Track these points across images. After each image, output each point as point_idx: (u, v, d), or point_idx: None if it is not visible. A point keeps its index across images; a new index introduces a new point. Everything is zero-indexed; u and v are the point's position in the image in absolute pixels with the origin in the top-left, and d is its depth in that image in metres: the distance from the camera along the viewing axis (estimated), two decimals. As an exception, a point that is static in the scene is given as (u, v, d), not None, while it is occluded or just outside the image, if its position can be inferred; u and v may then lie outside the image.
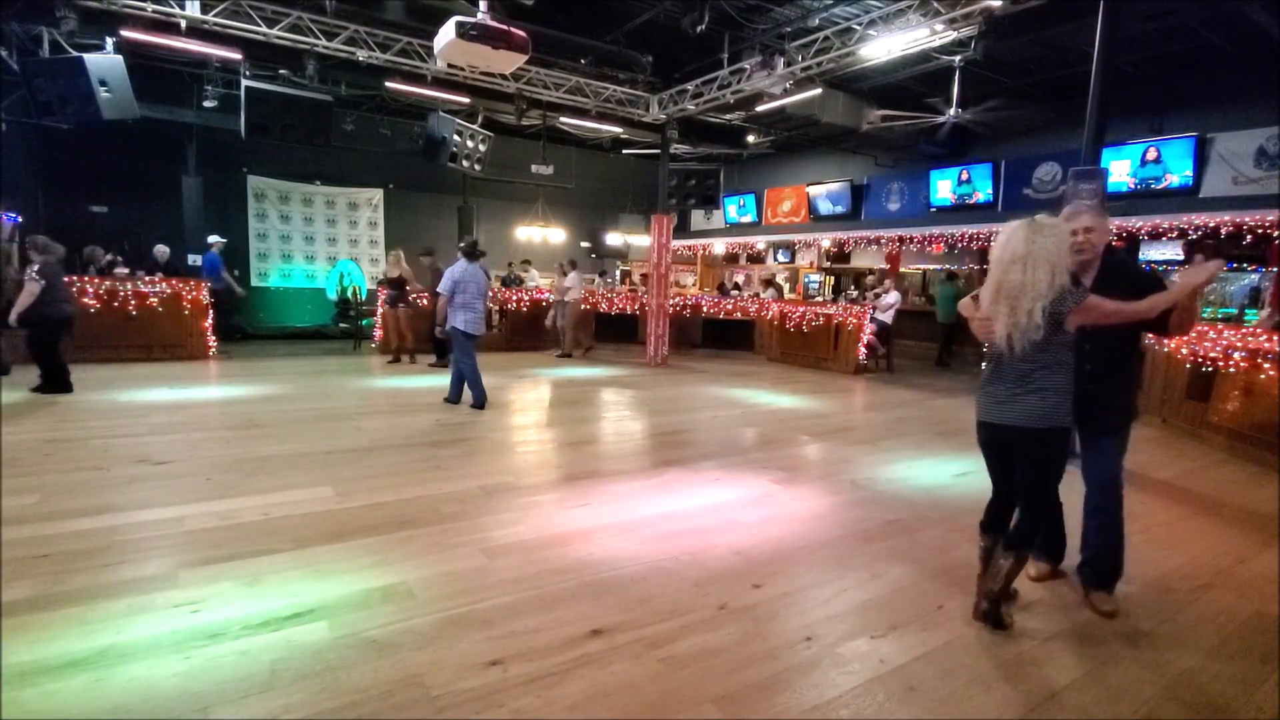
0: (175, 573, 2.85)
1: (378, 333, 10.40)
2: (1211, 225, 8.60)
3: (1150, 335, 3.76)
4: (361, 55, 8.14)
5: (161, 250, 9.80)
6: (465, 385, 6.57)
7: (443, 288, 6.32)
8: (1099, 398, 2.74)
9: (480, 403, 6.44)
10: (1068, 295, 2.34)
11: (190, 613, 2.52)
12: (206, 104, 10.43)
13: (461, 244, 6.70)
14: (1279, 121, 8.26)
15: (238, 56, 8.33)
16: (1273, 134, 8.39)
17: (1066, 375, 2.45)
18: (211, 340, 9.32)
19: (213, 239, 10.55)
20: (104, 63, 7.47)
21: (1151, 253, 10.35)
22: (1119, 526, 2.87)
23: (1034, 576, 3.04)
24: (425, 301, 9.72)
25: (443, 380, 6.60)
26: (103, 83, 7.41)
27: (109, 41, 7.69)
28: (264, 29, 7.55)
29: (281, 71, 9.00)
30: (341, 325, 12.27)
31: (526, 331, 11.87)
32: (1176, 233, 9.13)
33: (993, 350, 2.51)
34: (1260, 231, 8.19)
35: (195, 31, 7.51)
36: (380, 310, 10.20)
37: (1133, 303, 2.44)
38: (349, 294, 12.52)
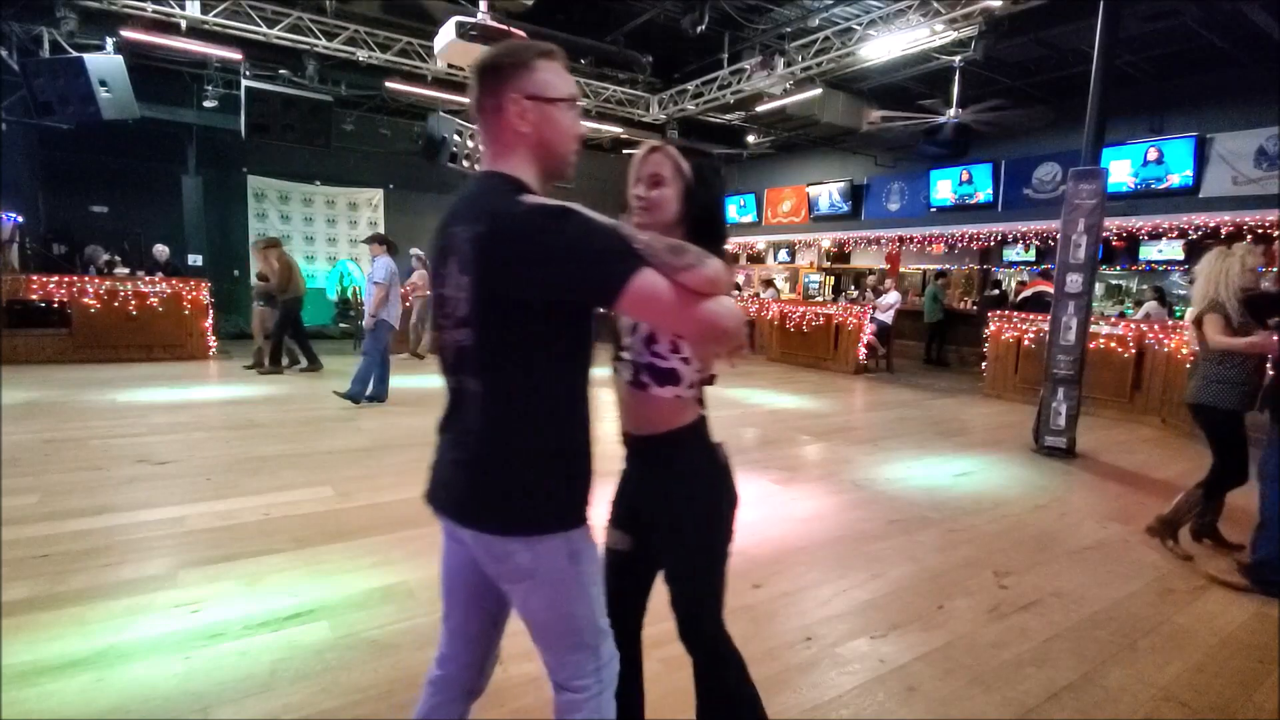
0: (175, 573, 2.85)
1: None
2: (1212, 225, 8.62)
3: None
4: (361, 55, 8.15)
5: (161, 250, 9.80)
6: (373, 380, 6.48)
7: (384, 279, 6.36)
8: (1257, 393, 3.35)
9: (381, 396, 6.52)
10: (1204, 314, 3.26)
11: (190, 613, 2.52)
12: (206, 104, 10.43)
13: (378, 239, 6.70)
14: (1279, 121, 8.26)
15: (238, 56, 8.33)
16: (1273, 134, 8.39)
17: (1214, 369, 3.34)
18: (211, 340, 9.33)
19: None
20: (104, 63, 7.47)
21: (1152, 253, 10.35)
22: None
23: None
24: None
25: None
26: (103, 83, 7.41)
27: (109, 41, 7.70)
28: (264, 29, 7.56)
29: (281, 71, 9.00)
30: (341, 325, 12.27)
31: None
32: (1177, 233, 9.14)
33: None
34: (1260, 231, 8.19)
35: (195, 31, 7.52)
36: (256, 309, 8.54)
37: (1230, 339, 3.21)
38: (349, 294, 12.52)
